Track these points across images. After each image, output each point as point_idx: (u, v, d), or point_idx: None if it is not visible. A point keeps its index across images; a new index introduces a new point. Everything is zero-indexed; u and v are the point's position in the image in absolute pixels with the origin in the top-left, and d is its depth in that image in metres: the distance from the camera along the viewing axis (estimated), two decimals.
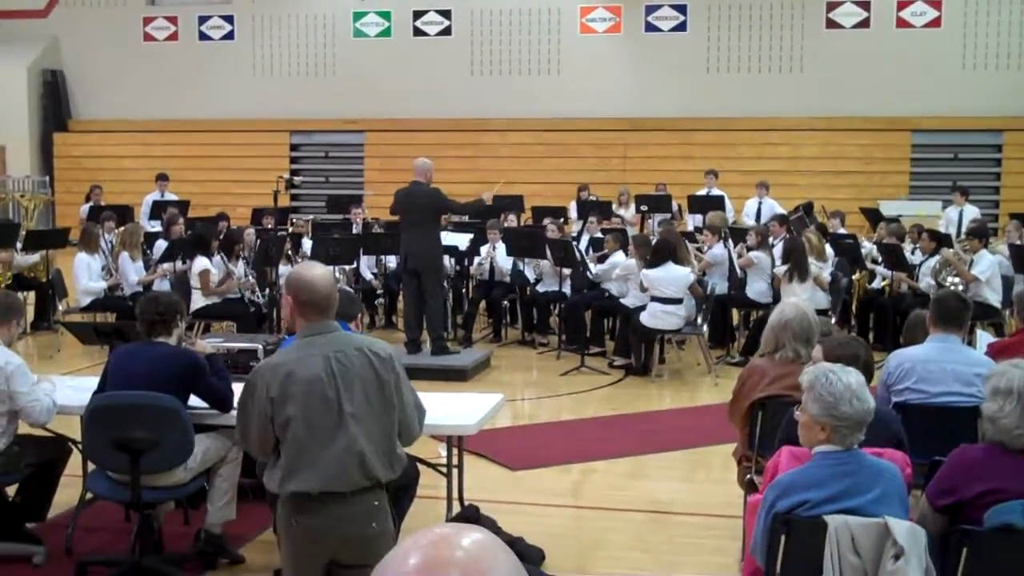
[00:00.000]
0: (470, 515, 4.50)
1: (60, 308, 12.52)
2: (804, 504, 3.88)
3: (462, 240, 12.69)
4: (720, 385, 10.31)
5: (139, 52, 24.31)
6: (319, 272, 4.25)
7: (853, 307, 12.91)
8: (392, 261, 13.24)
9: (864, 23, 21.20)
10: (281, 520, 4.15)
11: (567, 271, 12.10)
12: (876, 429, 4.14)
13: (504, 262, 12.82)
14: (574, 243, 12.46)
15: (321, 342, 4.09)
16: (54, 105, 24.56)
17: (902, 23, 21.06)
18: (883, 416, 4.58)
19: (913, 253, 12.54)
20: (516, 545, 5.19)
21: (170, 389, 5.40)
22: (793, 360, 5.52)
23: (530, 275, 12.77)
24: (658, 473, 7.89)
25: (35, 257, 13.28)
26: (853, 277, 12.68)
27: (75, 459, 5.94)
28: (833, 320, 11.04)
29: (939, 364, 5.76)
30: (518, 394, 10.26)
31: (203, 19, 24.17)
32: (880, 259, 12.71)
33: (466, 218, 14.11)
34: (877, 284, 12.80)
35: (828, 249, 12.02)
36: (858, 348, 5.02)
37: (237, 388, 5.75)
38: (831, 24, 21.33)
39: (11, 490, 5.96)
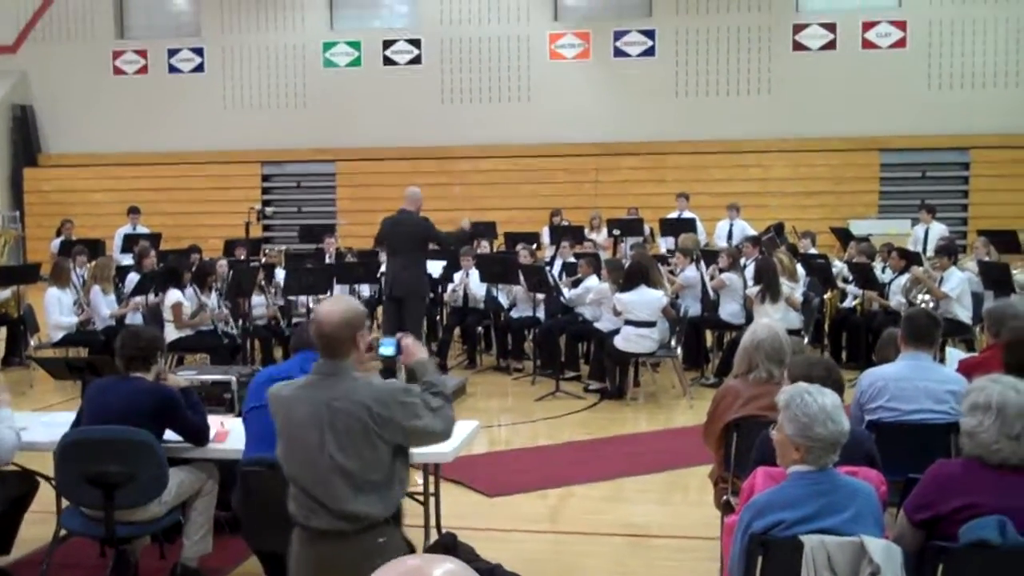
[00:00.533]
0: (447, 543, 4.46)
1: (32, 343, 12.43)
2: (779, 524, 3.89)
3: (435, 267, 12.71)
4: (695, 407, 10.32)
5: (109, 85, 24.27)
6: (328, 309, 4.13)
7: (825, 326, 12.97)
8: (366, 290, 13.23)
9: (830, 45, 21.41)
10: (292, 549, 4.13)
11: (541, 296, 12.12)
12: (850, 448, 4.15)
13: (478, 288, 12.82)
14: (547, 268, 12.50)
15: (324, 384, 4.02)
16: (24, 140, 24.47)
17: (868, 44, 21.27)
18: (857, 435, 4.60)
19: (884, 271, 12.62)
20: (494, 572, 5.17)
21: (145, 424, 5.38)
22: (766, 380, 5.53)
23: (504, 301, 12.78)
24: (635, 496, 7.89)
25: (6, 293, 13.19)
26: (825, 296, 12.74)
27: (49, 495, 5.89)
28: (806, 340, 11.10)
29: (911, 382, 5.79)
30: (494, 420, 10.25)
31: (173, 52, 24.16)
32: (851, 278, 12.79)
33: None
34: (849, 303, 12.88)
35: (799, 269, 12.11)
36: (826, 369, 5.04)
37: (213, 420, 5.76)
38: (798, 46, 21.53)
39: None
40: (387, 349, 4.32)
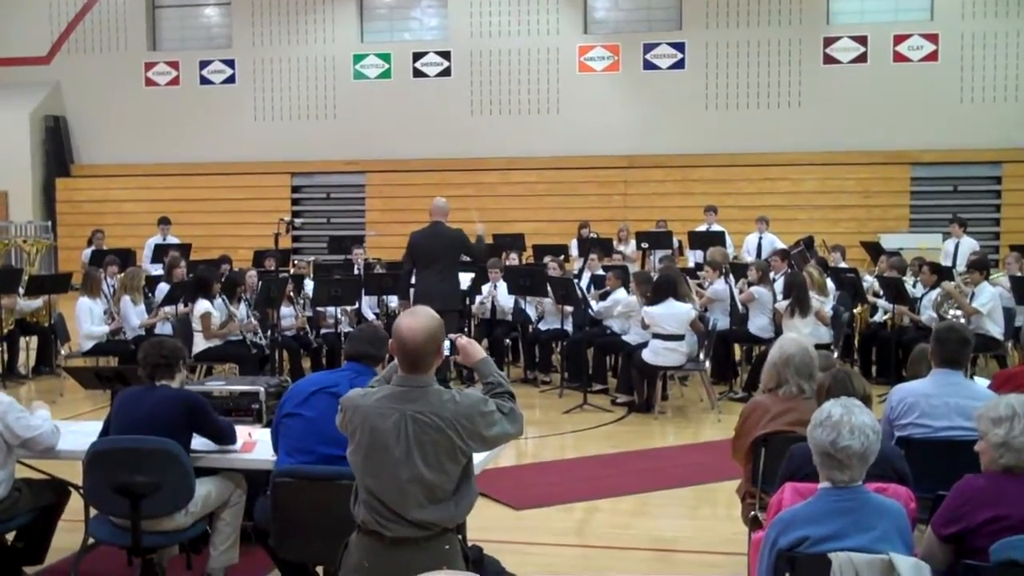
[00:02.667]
0: (474, 556, 4.46)
1: (62, 352, 12.53)
2: (805, 541, 3.86)
3: (464, 279, 12.70)
4: (723, 421, 10.29)
5: (141, 97, 24.47)
6: (410, 323, 4.06)
7: (855, 341, 12.91)
8: (394, 301, 13.24)
9: (861, 58, 21.33)
10: (351, 557, 4.12)
11: (569, 309, 12.11)
12: (879, 464, 4.12)
13: (506, 300, 12.82)
14: (575, 281, 12.47)
15: (407, 397, 4.02)
16: (56, 150, 24.69)
17: (899, 57, 21.18)
18: (886, 451, 4.56)
19: (914, 286, 12.54)
20: None
21: (173, 431, 5.40)
22: (796, 396, 5.51)
23: (532, 313, 12.77)
24: (662, 511, 7.85)
25: (38, 302, 13.29)
26: (855, 311, 12.68)
27: (77, 504, 5.92)
28: (835, 354, 11.02)
29: (942, 398, 5.75)
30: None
31: (204, 63, 24.34)
32: (881, 293, 12.71)
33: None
34: (879, 318, 12.79)
35: (829, 283, 12.03)
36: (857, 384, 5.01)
37: (240, 431, 5.78)
38: (829, 59, 21.45)
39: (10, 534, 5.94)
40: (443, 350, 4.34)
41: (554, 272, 12.61)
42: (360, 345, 5.31)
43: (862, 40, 21.33)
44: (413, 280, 11.51)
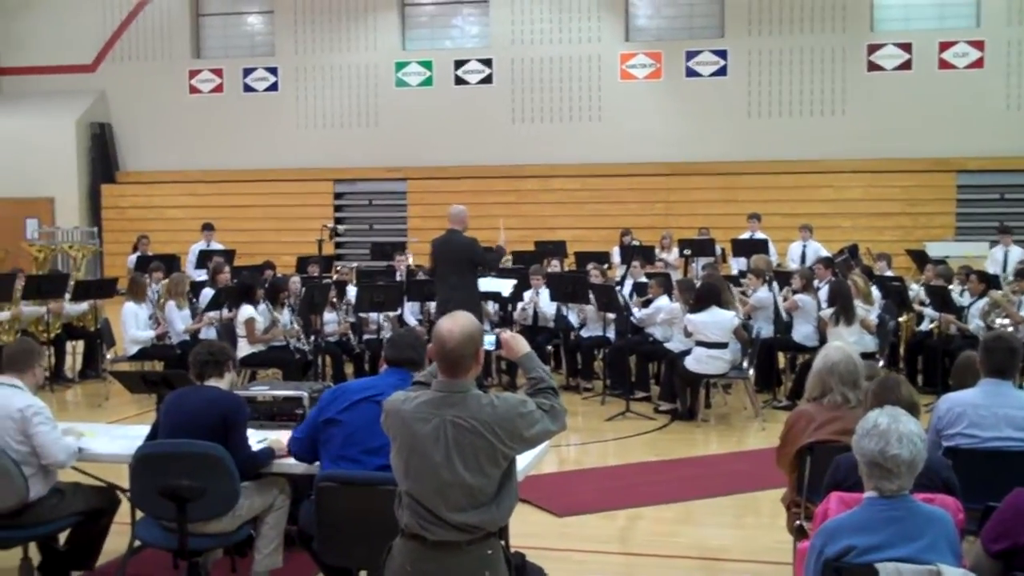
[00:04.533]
0: (516, 562, 4.45)
1: (108, 357, 12.66)
2: (851, 551, 3.82)
3: (506, 286, 12.70)
4: (767, 429, 10.24)
5: (185, 104, 24.70)
6: (449, 326, 4.09)
7: (901, 350, 12.79)
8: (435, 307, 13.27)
9: (906, 65, 21.17)
10: (394, 562, 4.13)
11: (611, 316, 12.08)
12: (926, 474, 4.08)
13: (548, 307, 12.81)
14: (618, 288, 12.44)
15: (447, 402, 4.03)
16: (102, 157, 24.97)
17: (945, 64, 21.00)
18: (933, 461, 4.51)
19: (961, 295, 12.40)
20: None
21: (215, 433, 5.43)
22: (841, 405, 5.46)
23: (574, 320, 12.75)
24: (706, 519, 7.81)
25: (84, 307, 13.44)
26: (900, 319, 12.57)
27: (124, 507, 5.97)
28: (881, 363, 10.94)
29: (990, 408, 5.68)
30: (563, 440, 10.19)
31: (248, 71, 24.53)
32: (928, 301, 12.58)
33: (510, 263, 14.14)
34: (925, 326, 12.67)
35: (874, 292, 11.93)
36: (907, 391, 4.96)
37: (284, 436, 5.80)
38: (873, 67, 21.31)
39: (61, 538, 6.00)
40: (487, 345, 4.33)
41: (596, 279, 12.60)
42: (402, 350, 5.31)
43: (906, 47, 21.18)
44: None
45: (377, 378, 5.38)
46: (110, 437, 6.25)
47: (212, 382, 5.71)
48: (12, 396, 5.68)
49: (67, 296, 13.27)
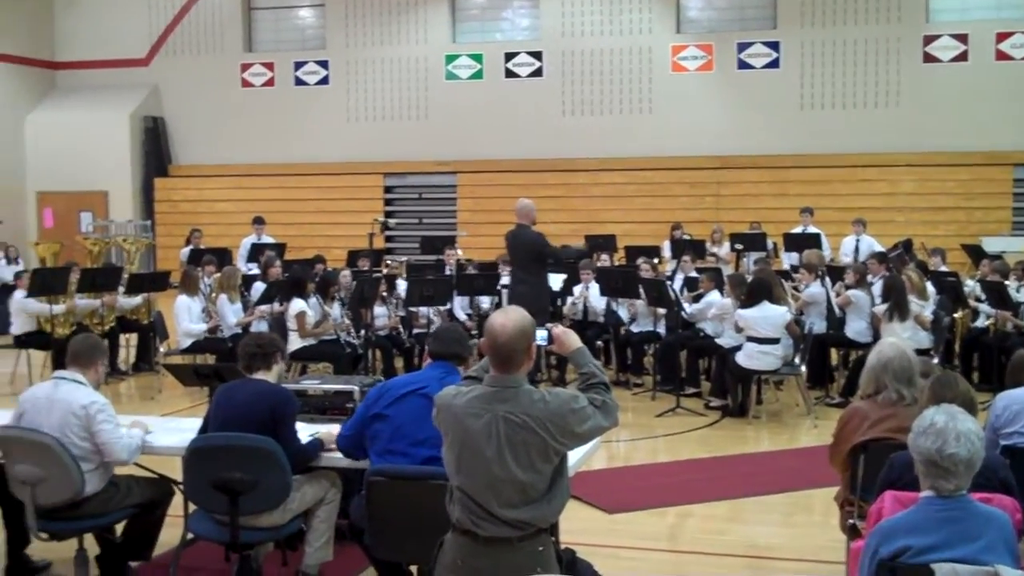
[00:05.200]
0: (567, 559, 4.44)
1: (161, 350, 12.78)
2: (907, 551, 3.77)
3: (556, 281, 12.69)
4: (820, 427, 10.15)
5: (237, 98, 24.89)
6: (502, 320, 4.09)
7: (956, 347, 12.63)
8: (485, 301, 13.28)
9: (962, 56, 20.86)
10: (446, 557, 4.14)
11: (661, 311, 12.02)
12: (983, 474, 4.01)
13: (598, 302, 12.77)
14: (668, 283, 12.38)
15: (498, 397, 4.03)
16: (155, 151, 25.22)
17: (1002, 55, 20.67)
18: (991, 460, 4.44)
19: (1018, 291, 12.22)
20: None
21: (264, 427, 5.45)
22: (896, 402, 5.40)
23: (624, 315, 12.71)
24: (757, 517, 7.75)
25: (137, 300, 13.57)
26: (955, 316, 12.41)
27: (177, 499, 6.03)
28: (935, 360, 10.80)
29: None
30: (613, 436, 10.15)
31: (299, 64, 24.66)
32: (983, 297, 12.41)
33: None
34: (981, 323, 12.49)
35: (929, 287, 11.77)
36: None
37: (334, 428, 5.82)
38: (928, 58, 21.03)
39: (120, 529, 6.06)
40: (539, 340, 4.32)
41: (646, 274, 12.54)
42: (447, 344, 5.29)
43: (963, 38, 20.87)
44: (506, 280, 11.54)
45: (421, 372, 5.38)
46: (164, 430, 6.30)
47: (260, 375, 5.73)
48: (75, 391, 5.74)
49: (121, 289, 13.41)
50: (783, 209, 19.20)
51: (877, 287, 11.74)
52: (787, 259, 16.27)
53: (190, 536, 5.77)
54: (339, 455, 5.66)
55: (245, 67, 24.97)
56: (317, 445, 5.68)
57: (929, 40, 21.05)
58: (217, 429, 5.58)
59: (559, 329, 4.46)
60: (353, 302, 12.08)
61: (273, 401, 5.56)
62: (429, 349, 5.36)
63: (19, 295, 12.65)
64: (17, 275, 13.89)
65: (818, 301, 11.93)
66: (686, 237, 16.85)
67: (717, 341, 11.43)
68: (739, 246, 16.14)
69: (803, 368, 11.00)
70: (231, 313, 12.29)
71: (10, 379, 12.65)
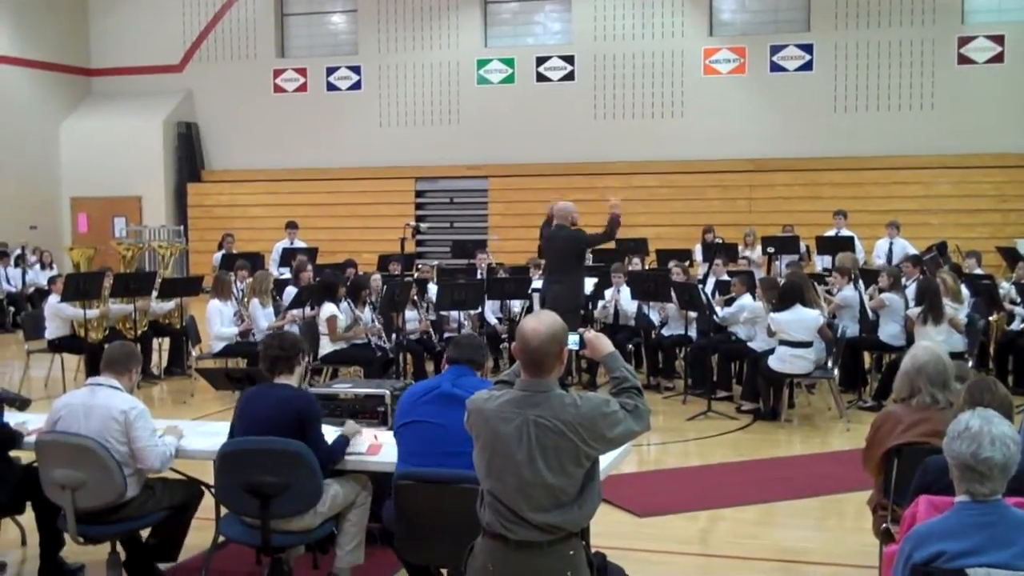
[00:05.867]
0: (598, 563, 4.42)
1: (193, 354, 12.85)
2: (941, 556, 3.73)
3: (587, 284, 12.67)
4: (852, 430, 10.08)
5: (269, 103, 25.03)
6: (534, 325, 4.08)
7: (991, 350, 12.52)
8: (516, 305, 13.28)
9: (998, 58, 20.71)
10: (476, 561, 4.13)
11: (693, 314, 11.98)
12: (1019, 479, 3.96)
13: (629, 305, 12.74)
14: (700, 286, 12.34)
15: (529, 401, 4.02)
16: (188, 156, 25.41)
17: None
18: None
19: None
20: None
21: (292, 432, 5.46)
22: (930, 406, 5.35)
23: (655, 318, 12.67)
24: (789, 521, 7.69)
25: (170, 304, 13.64)
26: (990, 319, 12.29)
27: (208, 503, 6.05)
28: (970, 363, 10.71)
29: None
30: (644, 439, 10.11)
31: (331, 70, 24.78)
32: (1019, 300, 12.31)
33: (590, 260, 14.10)
34: (1016, 326, 12.38)
35: (964, 290, 11.67)
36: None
37: (367, 433, 5.82)
38: (963, 60, 20.89)
39: (144, 532, 6.09)
40: (571, 344, 4.31)
41: (678, 277, 12.50)
42: (463, 350, 5.31)
43: (998, 39, 20.70)
44: (537, 284, 11.54)
45: (440, 376, 5.39)
46: (196, 434, 6.32)
47: (283, 379, 5.73)
48: (114, 396, 5.79)
49: (154, 294, 13.48)
50: (816, 212, 19.11)
51: (911, 290, 11.66)
52: (820, 262, 16.19)
53: (221, 539, 5.79)
54: (370, 458, 5.67)
55: (278, 73, 25.12)
56: (343, 442, 5.70)
57: (964, 41, 20.90)
58: (242, 434, 5.59)
59: (591, 334, 4.45)
60: (384, 306, 12.10)
61: (299, 405, 5.57)
62: (447, 355, 5.39)
63: (53, 299, 12.76)
64: (51, 280, 14.01)
65: (851, 304, 11.85)
66: (718, 240, 16.80)
67: (749, 345, 11.37)
68: (771, 249, 16.07)
69: (836, 372, 10.93)
70: (263, 317, 12.33)
71: (44, 383, 12.76)
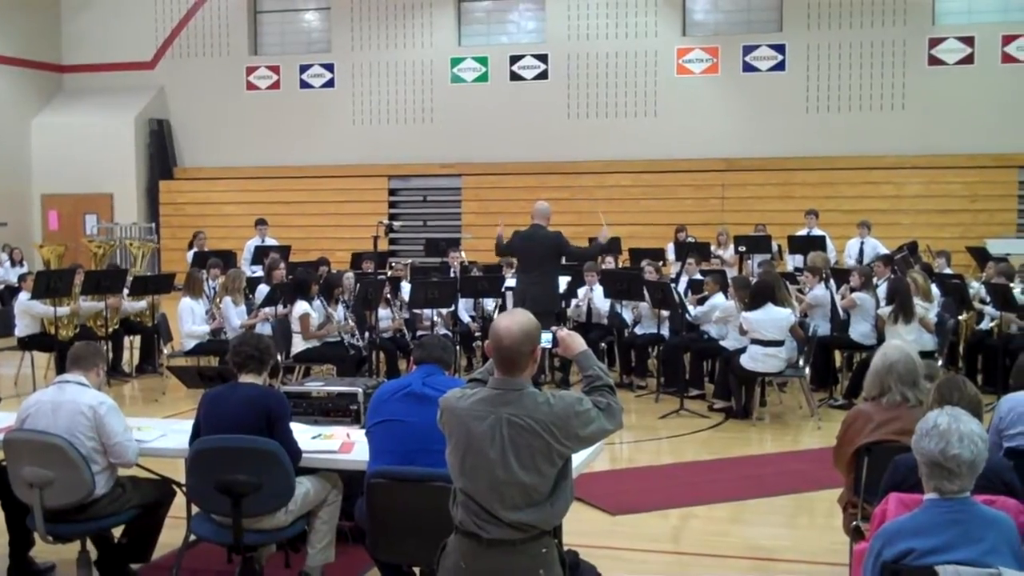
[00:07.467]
0: (570, 561, 4.43)
1: (165, 352, 12.78)
2: (910, 553, 3.76)
3: (560, 282, 12.68)
4: (823, 428, 10.14)
5: (242, 101, 24.92)
6: (506, 323, 4.08)
7: (960, 349, 12.61)
8: (490, 303, 13.28)
9: (968, 59, 20.84)
10: (449, 559, 4.12)
11: (665, 313, 12.01)
12: (987, 476, 4.00)
13: (602, 304, 12.77)
14: (672, 285, 12.37)
15: (502, 400, 4.02)
16: (160, 154, 25.24)
17: (1007, 58, 20.65)
18: (994, 462, 4.43)
19: (1023, 293, 12.20)
20: None
21: (259, 431, 5.45)
22: (900, 404, 5.39)
23: (628, 317, 12.70)
24: (760, 519, 7.73)
25: (142, 303, 13.57)
26: (960, 318, 12.38)
27: (180, 501, 6.03)
28: (940, 362, 10.79)
29: None
30: (616, 438, 10.14)
31: (304, 67, 24.69)
32: (988, 299, 12.39)
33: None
34: (985, 325, 12.48)
35: (934, 289, 11.75)
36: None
37: (339, 432, 5.80)
38: (934, 61, 21.01)
39: (116, 531, 6.05)
40: (544, 342, 4.31)
41: (651, 276, 12.53)
42: (430, 351, 5.33)
43: (969, 41, 20.84)
44: (510, 282, 11.54)
45: (410, 375, 5.39)
46: (166, 432, 6.29)
47: (250, 378, 5.72)
48: (82, 393, 5.77)
49: (125, 292, 13.42)
50: (788, 211, 19.19)
51: (882, 290, 11.73)
52: (792, 261, 16.27)
53: (192, 538, 5.77)
54: (343, 456, 5.66)
55: (250, 70, 25.01)
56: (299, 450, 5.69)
57: (935, 43, 21.03)
58: (208, 434, 5.56)
59: (564, 332, 4.46)
60: (357, 304, 12.08)
61: (267, 404, 5.56)
62: (414, 356, 5.41)
63: (23, 297, 12.67)
64: (21, 277, 13.93)
65: (822, 303, 11.93)
66: (691, 240, 16.86)
67: (721, 343, 11.42)
68: (743, 248, 16.13)
69: (807, 370, 10.99)
70: (235, 315, 12.29)
71: (14, 381, 12.67)
